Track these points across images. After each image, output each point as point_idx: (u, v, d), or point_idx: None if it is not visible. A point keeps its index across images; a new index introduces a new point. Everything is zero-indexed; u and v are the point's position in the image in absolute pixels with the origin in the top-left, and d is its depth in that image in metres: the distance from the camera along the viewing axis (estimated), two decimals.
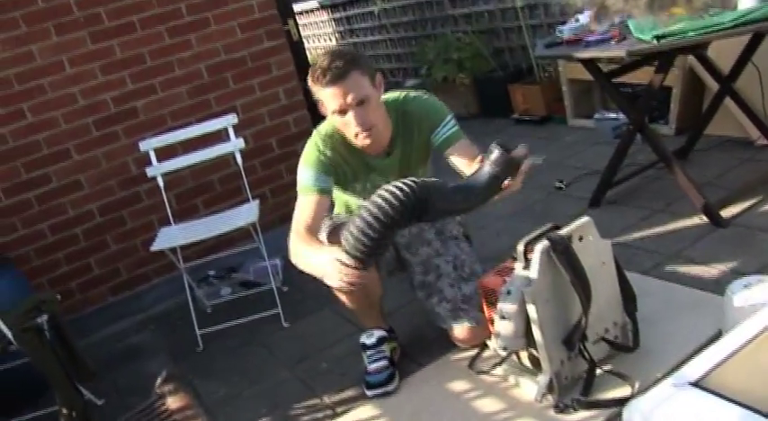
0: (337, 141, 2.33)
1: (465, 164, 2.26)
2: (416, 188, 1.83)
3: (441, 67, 5.63)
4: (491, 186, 1.92)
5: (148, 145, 3.40)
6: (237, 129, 3.49)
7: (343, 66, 2.11)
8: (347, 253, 1.88)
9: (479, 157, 2.04)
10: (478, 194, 1.94)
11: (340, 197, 2.53)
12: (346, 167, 2.37)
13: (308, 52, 6.01)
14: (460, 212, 2.04)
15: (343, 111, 2.16)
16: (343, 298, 2.43)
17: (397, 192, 1.82)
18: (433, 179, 1.94)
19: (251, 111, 3.95)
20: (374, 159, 2.38)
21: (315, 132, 2.38)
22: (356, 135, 2.21)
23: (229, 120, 3.45)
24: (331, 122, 2.32)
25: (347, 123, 2.19)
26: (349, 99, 2.14)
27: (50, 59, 3.43)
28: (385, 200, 1.83)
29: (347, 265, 1.90)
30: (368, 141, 2.24)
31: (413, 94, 2.41)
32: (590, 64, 3.18)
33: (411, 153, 2.41)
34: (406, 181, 1.86)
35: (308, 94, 4.08)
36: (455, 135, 2.35)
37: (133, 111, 3.67)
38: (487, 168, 1.90)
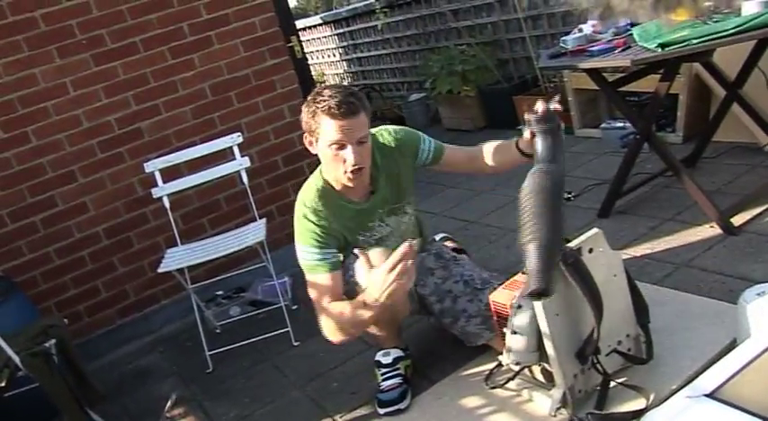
0: (324, 203, 2.33)
1: (465, 159, 2.55)
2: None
3: (445, 79, 5.65)
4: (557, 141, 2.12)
5: (153, 166, 3.42)
6: (243, 148, 3.51)
7: (356, 102, 2.18)
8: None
9: (475, 149, 2.39)
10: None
11: None
12: (341, 231, 2.37)
13: (311, 68, 6.05)
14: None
15: (343, 146, 2.19)
16: (373, 327, 2.45)
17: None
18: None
19: (256, 129, 3.97)
20: (360, 204, 2.40)
21: (299, 205, 2.36)
22: (345, 172, 2.24)
23: (234, 139, 3.46)
24: (311, 182, 2.38)
25: (342, 158, 2.21)
26: (355, 135, 2.19)
27: (54, 82, 3.46)
28: None
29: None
30: (352, 184, 2.29)
31: (380, 128, 2.50)
32: (595, 74, 3.18)
33: (398, 183, 2.46)
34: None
35: None
36: (438, 148, 2.51)
37: (137, 132, 3.69)
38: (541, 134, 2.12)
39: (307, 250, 2.31)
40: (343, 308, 2.23)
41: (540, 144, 2.08)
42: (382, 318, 2.42)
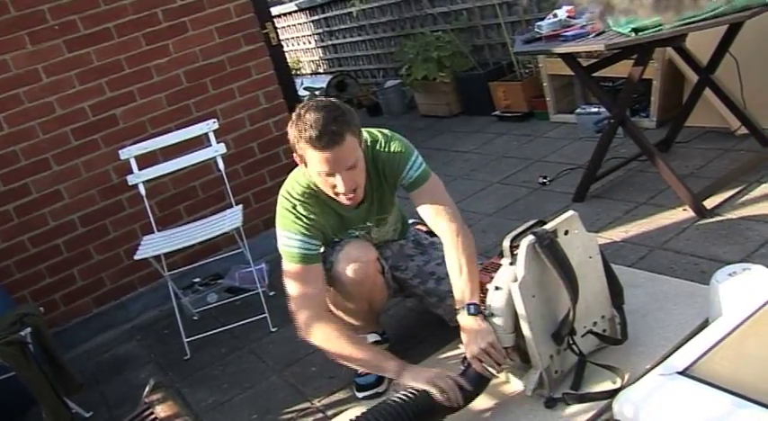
0: (313, 201, 2.28)
1: (431, 216, 2.29)
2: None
3: (421, 66, 5.64)
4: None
5: (129, 153, 3.40)
6: (218, 135, 3.50)
7: (338, 130, 2.04)
8: None
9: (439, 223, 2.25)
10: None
11: None
12: (326, 227, 2.33)
13: (287, 56, 6.02)
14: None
15: (331, 174, 2.12)
16: (346, 309, 2.43)
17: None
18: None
19: (231, 115, 3.95)
20: (348, 211, 2.35)
21: (287, 196, 2.29)
22: (338, 195, 2.17)
23: (210, 126, 3.45)
24: (299, 178, 2.29)
25: (333, 184, 2.13)
26: (342, 164, 2.09)
27: (25, 69, 3.41)
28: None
29: None
30: (350, 203, 2.22)
31: (379, 135, 2.33)
32: (569, 58, 3.20)
33: (383, 196, 2.40)
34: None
35: (288, 97, 4.12)
36: (422, 176, 2.31)
37: (112, 119, 3.65)
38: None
39: (291, 236, 2.24)
40: (352, 343, 2.16)
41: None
42: (360, 311, 2.44)
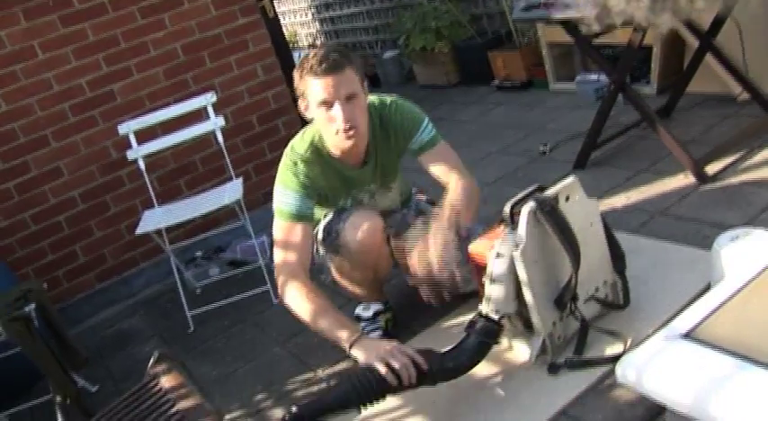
0: (315, 159, 2.29)
1: (442, 172, 2.37)
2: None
3: (418, 36, 5.60)
4: (479, 353, 2.02)
5: (127, 128, 3.38)
6: (217, 108, 3.48)
7: (339, 58, 2.10)
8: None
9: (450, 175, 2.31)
10: (467, 360, 2.01)
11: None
12: (327, 189, 2.34)
13: (284, 29, 5.97)
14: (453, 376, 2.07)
15: (330, 104, 2.12)
16: (352, 277, 2.43)
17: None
18: (427, 350, 2.00)
19: (229, 88, 3.93)
20: (351, 170, 2.36)
21: (290, 151, 2.31)
22: (338, 132, 2.16)
23: (208, 99, 3.43)
24: (305, 135, 2.31)
25: (332, 118, 2.14)
26: (341, 91, 2.11)
27: (21, 45, 3.40)
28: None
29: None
30: (349, 142, 2.20)
31: (389, 98, 2.39)
32: (569, 25, 3.17)
33: (388, 160, 2.41)
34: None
35: (285, 69, 4.09)
36: (432, 140, 2.39)
37: (110, 94, 3.64)
38: (472, 339, 2.01)
39: (286, 193, 2.26)
40: (316, 305, 2.12)
41: (465, 340, 2.04)
42: (365, 279, 2.45)
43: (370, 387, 1.88)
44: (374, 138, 2.34)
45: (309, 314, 2.12)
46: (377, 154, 2.37)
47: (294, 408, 1.88)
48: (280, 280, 2.20)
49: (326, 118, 2.16)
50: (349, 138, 2.18)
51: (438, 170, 2.39)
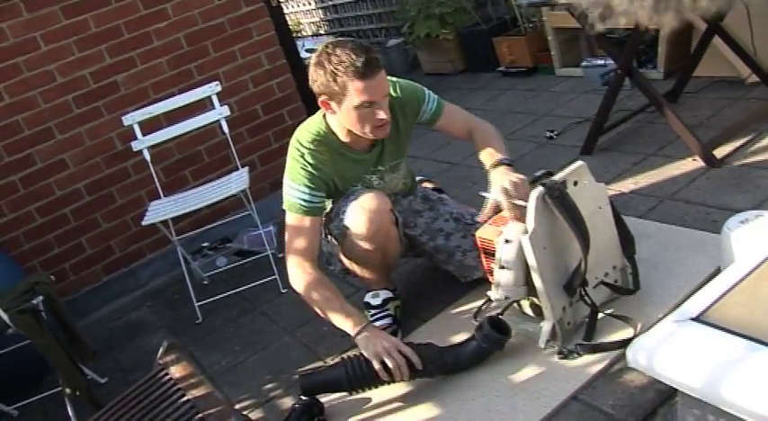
0: (323, 148, 2.30)
1: (457, 130, 2.50)
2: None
3: (423, 23, 5.58)
4: (479, 357, 2.11)
5: (132, 119, 3.39)
6: (221, 98, 3.48)
7: (376, 57, 2.13)
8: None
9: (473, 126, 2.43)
10: (466, 361, 2.12)
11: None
12: (336, 177, 2.35)
13: (287, 17, 5.96)
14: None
15: (372, 103, 2.15)
16: (360, 260, 2.45)
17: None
18: (427, 344, 2.14)
19: (234, 78, 3.93)
20: (360, 154, 2.38)
21: (296, 144, 2.32)
22: (372, 128, 2.21)
23: (213, 89, 3.43)
24: (309, 127, 2.33)
25: (370, 116, 2.17)
26: (384, 91, 2.18)
27: (23, 37, 3.39)
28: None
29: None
30: (381, 134, 2.26)
31: (391, 79, 2.37)
32: (575, 9, 3.16)
33: (397, 138, 2.43)
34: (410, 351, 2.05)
35: (290, 58, 4.09)
36: (438, 108, 2.47)
37: (113, 85, 3.64)
38: (475, 343, 2.09)
39: (296, 187, 2.28)
40: (322, 294, 2.21)
41: (468, 342, 2.13)
42: (374, 262, 2.45)
43: (362, 377, 2.07)
44: None
45: (318, 303, 2.22)
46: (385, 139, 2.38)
47: (298, 377, 2.11)
48: (290, 271, 2.27)
49: (363, 115, 2.18)
50: (383, 132, 2.25)
51: (456, 130, 2.52)
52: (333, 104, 2.20)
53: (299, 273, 2.24)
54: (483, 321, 2.10)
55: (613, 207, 2.14)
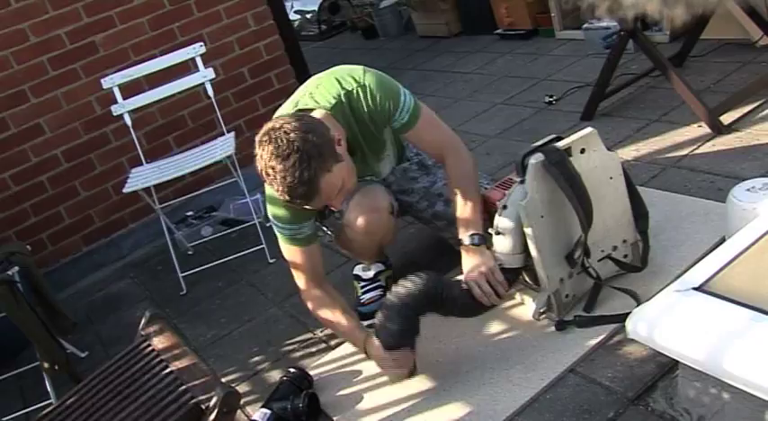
0: None
1: (427, 149, 2.38)
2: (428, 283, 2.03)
3: None
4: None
5: (111, 81, 3.36)
6: (206, 60, 3.45)
7: (308, 190, 1.89)
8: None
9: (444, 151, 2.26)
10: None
11: None
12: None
13: None
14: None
15: None
16: (354, 249, 2.48)
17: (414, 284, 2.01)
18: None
19: (219, 39, 3.90)
20: None
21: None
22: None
23: (196, 50, 3.39)
24: None
25: None
26: (324, 202, 2.00)
27: None
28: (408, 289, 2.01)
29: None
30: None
31: (352, 83, 2.14)
32: None
33: (372, 142, 2.30)
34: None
35: (278, 19, 4.05)
36: (410, 121, 2.20)
37: (91, 46, 3.60)
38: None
39: (279, 225, 2.22)
40: (334, 317, 2.21)
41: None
42: (369, 251, 2.50)
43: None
44: (353, 133, 2.19)
45: (328, 324, 2.29)
46: (362, 141, 2.26)
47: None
48: (299, 287, 2.29)
49: None
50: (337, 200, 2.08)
51: (426, 148, 2.38)
52: None
53: (307, 297, 2.27)
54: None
55: (628, 179, 2.12)
